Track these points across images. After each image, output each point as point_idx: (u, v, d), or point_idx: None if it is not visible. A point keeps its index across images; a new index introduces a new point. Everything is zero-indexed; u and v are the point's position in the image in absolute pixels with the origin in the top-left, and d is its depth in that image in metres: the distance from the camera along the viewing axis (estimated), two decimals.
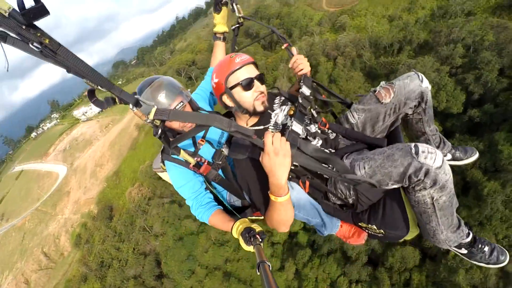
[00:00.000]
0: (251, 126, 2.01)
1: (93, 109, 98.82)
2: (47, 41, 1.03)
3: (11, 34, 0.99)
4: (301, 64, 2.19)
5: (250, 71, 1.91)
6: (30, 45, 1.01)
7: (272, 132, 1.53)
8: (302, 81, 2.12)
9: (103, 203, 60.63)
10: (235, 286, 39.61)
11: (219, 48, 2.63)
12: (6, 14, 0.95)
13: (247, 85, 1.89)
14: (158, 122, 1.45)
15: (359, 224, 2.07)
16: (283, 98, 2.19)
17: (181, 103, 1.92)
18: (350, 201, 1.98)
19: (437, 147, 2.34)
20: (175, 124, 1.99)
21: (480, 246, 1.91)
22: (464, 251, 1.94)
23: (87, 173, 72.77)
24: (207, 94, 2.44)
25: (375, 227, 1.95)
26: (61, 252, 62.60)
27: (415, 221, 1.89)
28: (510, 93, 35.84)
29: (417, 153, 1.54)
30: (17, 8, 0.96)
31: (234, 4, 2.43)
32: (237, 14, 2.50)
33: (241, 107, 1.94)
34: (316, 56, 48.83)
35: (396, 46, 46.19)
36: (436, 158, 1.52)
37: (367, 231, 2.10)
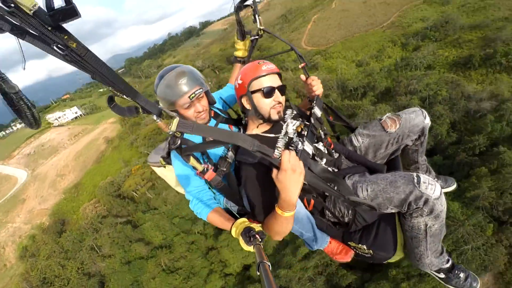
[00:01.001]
0: (263, 132, 2.07)
1: (66, 115, 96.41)
2: (74, 45, 0.97)
3: (32, 32, 0.91)
4: (316, 86, 2.30)
5: (274, 81, 1.98)
6: (54, 47, 0.94)
7: (289, 149, 1.62)
8: (315, 102, 2.23)
9: (57, 216, 57.89)
10: None
11: (238, 69, 2.75)
12: (30, 13, 0.86)
13: (268, 93, 1.94)
14: (179, 134, 1.42)
15: (349, 243, 2.16)
16: (294, 112, 2.24)
17: (201, 90, 1.99)
18: (346, 220, 2.05)
19: None
20: (189, 113, 2.03)
21: (456, 272, 2.09)
22: (442, 275, 2.11)
23: (46, 182, 69.83)
24: (223, 97, 2.55)
25: (364, 247, 2.04)
26: (4, 263, 58.54)
27: (402, 245, 2.01)
28: (458, 147, 37.96)
29: (419, 182, 1.64)
30: (43, 7, 0.87)
31: (256, 16, 2.52)
32: (258, 25, 2.57)
33: (257, 111, 1.99)
34: (286, 91, 50.43)
35: (360, 91, 48.52)
36: (435, 189, 1.64)
37: (355, 250, 2.19)
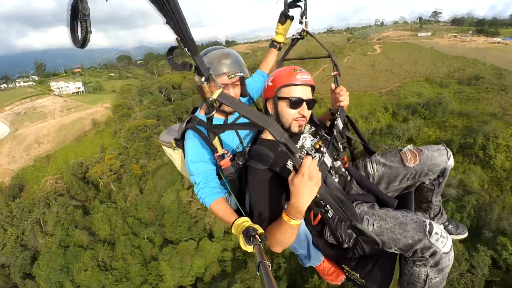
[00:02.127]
0: None
1: (69, 88, 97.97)
2: None
3: None
4: (343, 96, 2.21)
5: (304, 92, 1.89)
6: None
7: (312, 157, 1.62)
8: (338, 113, 2.17)
9: (18, 179, 57.51)
10: None
11: (272, 55, 2.75)
12: None
13: (295, 103, 1.85)
14: (217, 104, 1.45)
15: (343, 266, 2.10)
16: (313, 128, 2.17)
17: (241, 74, 2.00)
18: (345, 245, 1.99)
19: (435, 216, 2.38)
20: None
21: None
22: None
23: (23, 144, 69.71)
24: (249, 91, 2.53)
25: (358, 276, 1.98)
26: None
27: (395, 286, 1.93)
28: None
29: (430, 232, 1.57)
30: None
31: (303, 17, 2.50)
32: (303, 27, 2.55)
33: (278, 118, 1.92)
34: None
35: None
36: (446, 244, 1.56)
37: (347, 274, 2.11)
